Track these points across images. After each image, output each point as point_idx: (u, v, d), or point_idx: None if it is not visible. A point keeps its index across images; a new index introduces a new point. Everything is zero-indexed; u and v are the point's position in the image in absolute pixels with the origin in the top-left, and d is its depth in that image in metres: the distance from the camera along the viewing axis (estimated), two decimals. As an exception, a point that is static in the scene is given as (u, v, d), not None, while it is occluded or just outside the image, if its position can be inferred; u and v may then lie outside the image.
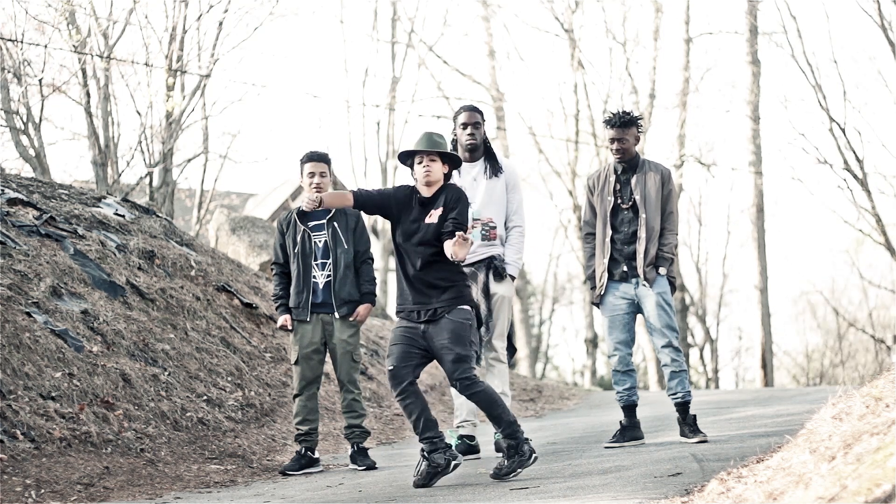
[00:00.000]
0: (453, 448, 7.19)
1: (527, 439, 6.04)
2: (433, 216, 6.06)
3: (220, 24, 16.14)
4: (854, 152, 21.69)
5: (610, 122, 7.41)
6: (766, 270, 23.01)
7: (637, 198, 7.36)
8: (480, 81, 27.27)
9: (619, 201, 7.42)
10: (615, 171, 7.47)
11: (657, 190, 7.37)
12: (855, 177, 21.71)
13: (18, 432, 6.88)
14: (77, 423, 7.32)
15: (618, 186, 7.43)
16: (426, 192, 6.15)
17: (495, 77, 27.51)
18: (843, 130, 21.72)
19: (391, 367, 6.02)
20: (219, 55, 16.20)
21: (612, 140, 7.40)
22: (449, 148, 6.26)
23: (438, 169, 6.13)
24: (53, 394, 7.47)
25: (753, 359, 37.23)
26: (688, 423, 7.26)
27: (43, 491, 6.31)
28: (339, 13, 39.56)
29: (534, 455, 6.00)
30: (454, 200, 6.07)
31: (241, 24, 16.39)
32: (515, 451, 5.95)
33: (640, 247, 7.32)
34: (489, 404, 5.95)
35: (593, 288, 7.49)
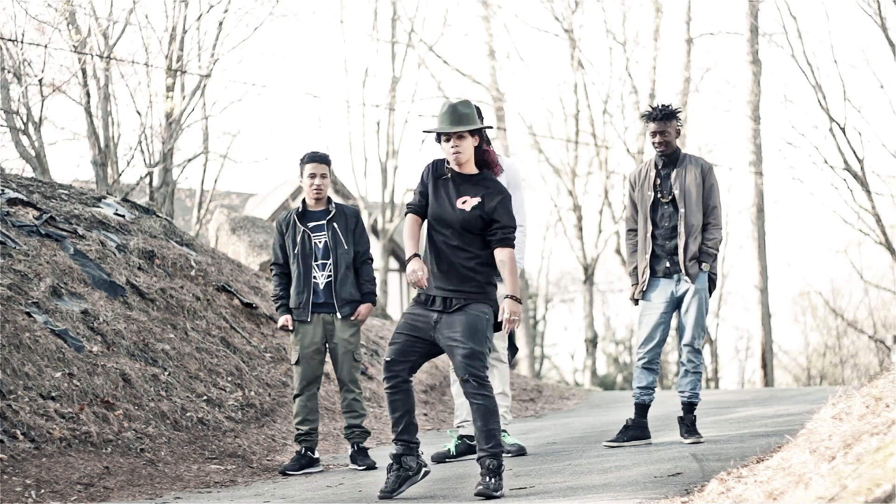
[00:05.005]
0: (453, 448, 7.23)
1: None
2: (467, 203, 5.62)
3: (220, 24, 16.16)
4: (854, 152, 21.69)
5: (651, 116, 7.35)
6: (767, 270, 22.99)
7: (676, 192, 7.30)
8: (480, 81, 27.28)
9: (659, 195, 7.37)
10: (655, 166, 7.42)
11: (697, 184, 7.30)
12: (855, 177, 21.70)
13: (18, 432, 6.88)
14: (77, 423, 7.32)
15: (658, 181, 7.37)
16: (459, 169, 5.73)
17: (495, 77, 27.51)
18: (843, 130, 21.72)
19: (388, 359, 5.55)
20: (219, 55, 16.22)
21: (654, 133, 7.33)
22: (477, 118, 5.73)
23: (469, 146, 5.67)
24: (53, 394, 7.47)
25: (753, 359, 37.23)
26: (685, 423, 7.28)
27: (43, 491, 6.31)
28: (339, 13, 39.34)
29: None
30: (497, 203, 5.64)
31: (241, 24, 16.44)
32: (497, 472, 5.45)
33: (681, 242, 7.27)
34: (488, 416, 5.43)
35: (635, 284, 7.48)
